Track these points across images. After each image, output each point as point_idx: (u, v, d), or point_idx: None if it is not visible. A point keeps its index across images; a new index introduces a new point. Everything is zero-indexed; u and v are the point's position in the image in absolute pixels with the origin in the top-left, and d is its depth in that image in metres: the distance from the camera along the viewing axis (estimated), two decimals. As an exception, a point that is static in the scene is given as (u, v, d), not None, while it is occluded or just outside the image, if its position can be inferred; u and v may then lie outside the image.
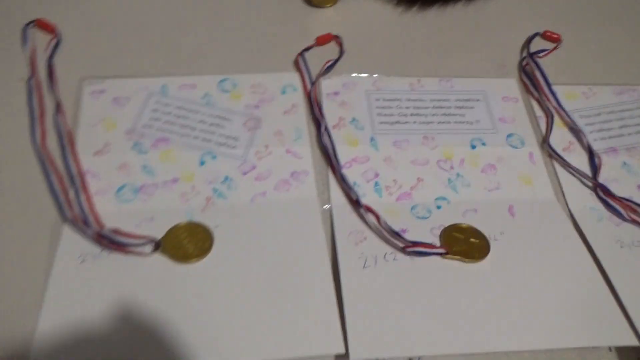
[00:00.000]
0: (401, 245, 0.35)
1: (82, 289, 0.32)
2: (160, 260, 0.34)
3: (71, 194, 0.36)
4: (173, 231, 0.35)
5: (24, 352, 0.30)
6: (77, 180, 0.37)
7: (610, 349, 0.34)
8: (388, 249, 0.35)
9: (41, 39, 0.45)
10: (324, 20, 0.50)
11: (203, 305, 0.32)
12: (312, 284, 0.33)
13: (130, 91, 0.42)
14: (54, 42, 0.45)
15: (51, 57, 0.44)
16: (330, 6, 0.50)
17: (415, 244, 0.35)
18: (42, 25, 0.46)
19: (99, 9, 0.48)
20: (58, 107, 0.40)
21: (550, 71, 0.47)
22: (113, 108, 0.41)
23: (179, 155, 0.39)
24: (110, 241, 0.33)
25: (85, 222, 0.35)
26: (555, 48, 0.50)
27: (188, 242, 0.35)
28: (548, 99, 0.46)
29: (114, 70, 0.43)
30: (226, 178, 0.38)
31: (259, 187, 0.38)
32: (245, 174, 0.39)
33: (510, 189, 0.40)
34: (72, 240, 0.34)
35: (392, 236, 0.36)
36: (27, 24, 0.46)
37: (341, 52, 0.46)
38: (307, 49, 0.46)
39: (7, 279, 0.33)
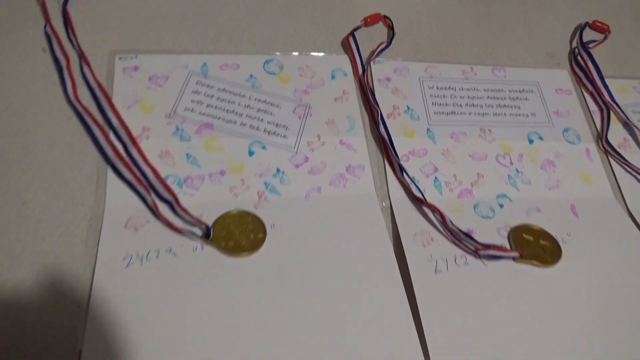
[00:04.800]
0: (472, 247, 0.33)
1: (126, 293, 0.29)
2: (209, 252, 0.31)
3: (119, 147, 0.33)
4: (223, 219, 0.32)
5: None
6: (122, 132, 0.33)
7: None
8: (457, 251, 0.33)
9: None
10: (368, -3, 0.46)
11: (252, 308, 0.29)
12: (380, 290, 0.31)
13: (168, 69, 0.38)
14: None
15: (65, 2, 0.39)
16: (375, -17, 0.47)
17: (488, 246, 0.33)
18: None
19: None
20: (82, 58, 0.36)
21: (599, 63, 0.46)
22: (149, 88, 0.37)
23: (225, 143, 0.35)
24: (160, 198, 0.32)
25: (144, 180, 0.32)
26: (604, 39, 0.48)
27: (239, 233, 0.32)
28: (602, 93, 0.44)
29: (145, 44, 0.39)
30: (278, 171, 0.35)
31: (313, 181, 0.35)
32: (297, 166, 0.36)
33: (570, 187, 0.39)
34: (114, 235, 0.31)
35: (462, 238, 0.34)
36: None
37: (392, 35, 0.43)
38: (354, 29, 0.42)
39: (55, 249, 0.29)
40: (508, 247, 0.34)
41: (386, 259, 0.32)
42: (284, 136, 0.37)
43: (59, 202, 0.31)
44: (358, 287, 0.31)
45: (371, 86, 0.40)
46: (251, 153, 0.36)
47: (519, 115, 0.42)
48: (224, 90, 0.38)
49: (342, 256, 0.32)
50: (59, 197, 0.31)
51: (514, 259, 0.33)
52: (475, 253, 0.33)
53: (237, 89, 0.38)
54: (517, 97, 0.43)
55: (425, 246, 0.33)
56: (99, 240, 0.30)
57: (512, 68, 0.45)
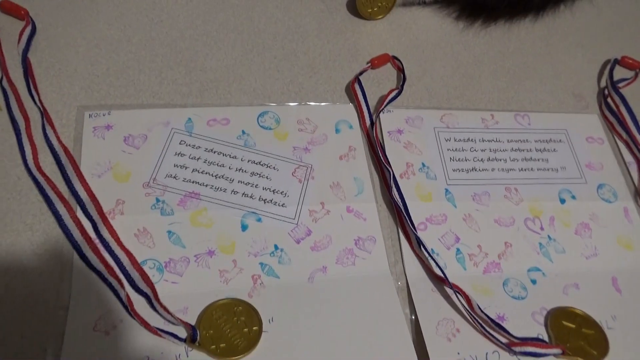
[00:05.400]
0: (505, 341, 0.28)
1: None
2: (196, 359, 0.26)
3: (87, 227, 0.28)
4: (209, 314, 0.27)
5: None
6: (91, 207, 0.28)
7: None
8: (488, 345, 0.28)
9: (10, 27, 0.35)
10: (375, 35, 0.41)
11: None
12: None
13: (146, 127, 0.33)
14: (27, 30, 0.34)
15: (26, 50, 0.34)
16: (382, 18, 0.42)
17: (525, 341, 0.28)
18: (9, 7, 0.35)
19: (103, 17, 0.37)
20: (45, 117, 0.31)
21: (632, 105, 0.41)
22: (125, 150, 0.31)
23: (214, 217, 0.30)
24: (136, 289, 0.27)
25: (117, 269, 0.27)
26: (635, 77, 0.44)
27: (230, 329, 0.27)
28: (637, 142, 0.39)
29: (120, 97, 0.34)
30: (276, 248, 0.30)
31: (317, 259, 0.30)
32: (299, 242, 0.31)
33: (609, 256, 0.34)
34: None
35: (492, 328, 0.29)
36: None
37: (403, 79, 0.38)
38: (360, 73, 0.38)
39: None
40: (546, 337, 0.29)
41: (405, 352, 0.27)
42: (283, 205, 0.32)
43: (14, 296, 0.26)
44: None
45: (380, 140, 0.36)
46: (244, 227, 0.30)
47: (548, 169, 0.37)
48: (212, 151, 0.33)
49: (354, 355, 0.27)
50: (13, 291, 0.26)
51: (555, 355, 0.28)
52: (510, 349, 0.28)
53: (227, 149, 0.33)
54: (545, 149, 0.38)
55: (451, 340, 0.28)
56: (61, 349, 0.25)
57: (537, 114, 0.40)
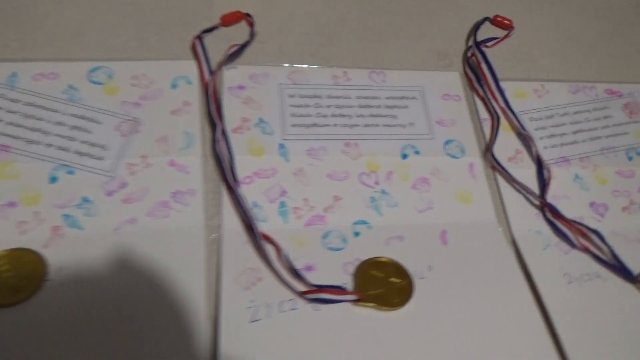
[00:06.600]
0: (302, 289, 0.28)
1: None
2: None
3: None
4: None
5: None
6: None
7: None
8: (286, 294, 0.28)
9: None
10: (234, -6, 0.41)
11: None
12: (180, 346, 0.26)
13: (-36, 82, 0.32)
14: None
15: None
16: (242, -24, 0.41)
17: (320, 288, 0.28)
18: None
19: None
20: None
21: (499, 64, 0.40)
22: (-64, 104, 0.31)
23: (22, 169, 0.30)
24: None
25: None
26: (505, 36, 0.43)
27: (11, 278, 0.26)
28: (495, 98, 0.39)
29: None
30: (84, 200, 0.30)
31: (127, 212, 0.30)
32: (110, 194, 0.30)
33: (444, 210, 0.34)
34: None
35: (293, 276, 0.28)
36: None
37: (251, 35, 0.37)
38: (207, 30, 0.37)
39: None
40: (351, 286, 0.29)
41: (194, 306, 0.27)
42: (100, 158, 0.31)
43: None
44: (151, 341, 0.26)
45: (219, 96, 0.35)
46: (54, 179, 0.30)
47: (394, 125, 0.37)
48: (31, 104, 0.32)
49: (142, 304, 0.27)
50: None
51: (352, 302, 0.28)
52: (303, 296, 0.28)
53: (48, 103, 0.32)
54: (395, 105, 0.38)
55: (249, 288, 0.28)
56: None
57: (394, 71, 0.39)
